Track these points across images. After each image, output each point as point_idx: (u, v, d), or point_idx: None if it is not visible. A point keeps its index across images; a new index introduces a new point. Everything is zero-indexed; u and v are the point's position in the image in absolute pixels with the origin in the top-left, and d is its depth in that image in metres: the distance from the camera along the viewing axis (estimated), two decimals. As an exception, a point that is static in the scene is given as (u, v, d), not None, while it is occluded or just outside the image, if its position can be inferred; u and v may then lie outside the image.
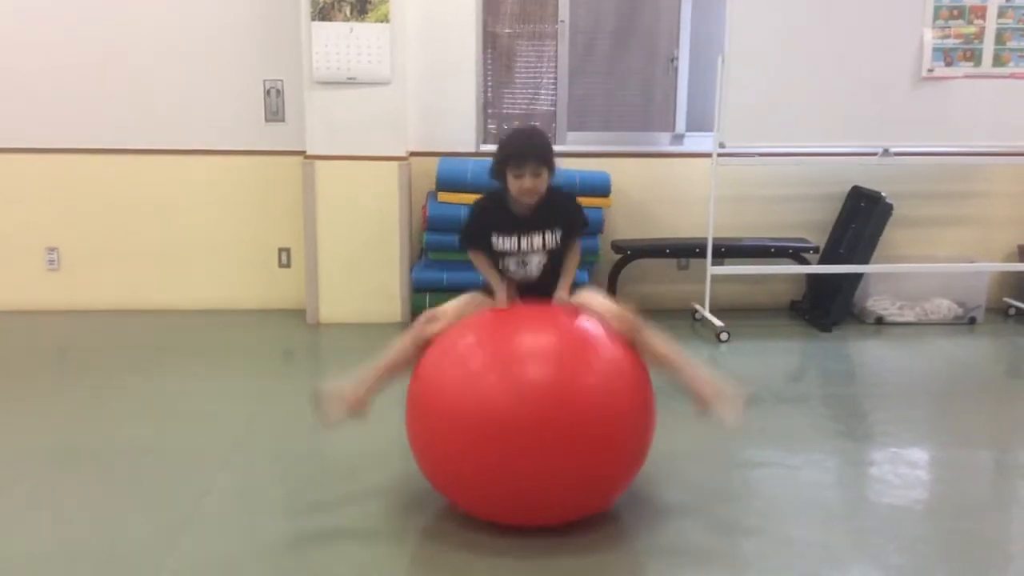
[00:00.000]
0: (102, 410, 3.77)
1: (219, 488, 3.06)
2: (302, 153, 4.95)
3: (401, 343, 2.88)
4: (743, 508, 2.91)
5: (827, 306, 5.09)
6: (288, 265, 5.30)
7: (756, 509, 2.90)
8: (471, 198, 4.75)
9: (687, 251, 5.16)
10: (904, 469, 3.27)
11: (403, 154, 4.95)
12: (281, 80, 5.10)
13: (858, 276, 5.07)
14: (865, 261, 5.02)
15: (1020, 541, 2.83)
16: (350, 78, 4.80)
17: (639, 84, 5.53)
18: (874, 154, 4.96)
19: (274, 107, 5.14)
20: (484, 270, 3.00)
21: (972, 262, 5.29)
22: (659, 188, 5.32)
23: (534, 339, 2.71)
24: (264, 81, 5.11)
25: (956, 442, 3.58)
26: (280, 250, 5.29)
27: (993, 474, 3.38)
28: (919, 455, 3.48)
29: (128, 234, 5.20)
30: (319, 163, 4.91)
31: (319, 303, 5.04)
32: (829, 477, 3.27)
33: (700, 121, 5.43)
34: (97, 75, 5.06)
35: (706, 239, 4.89)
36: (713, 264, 4.91)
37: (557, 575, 2.53)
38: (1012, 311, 5.33)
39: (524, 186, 2.83)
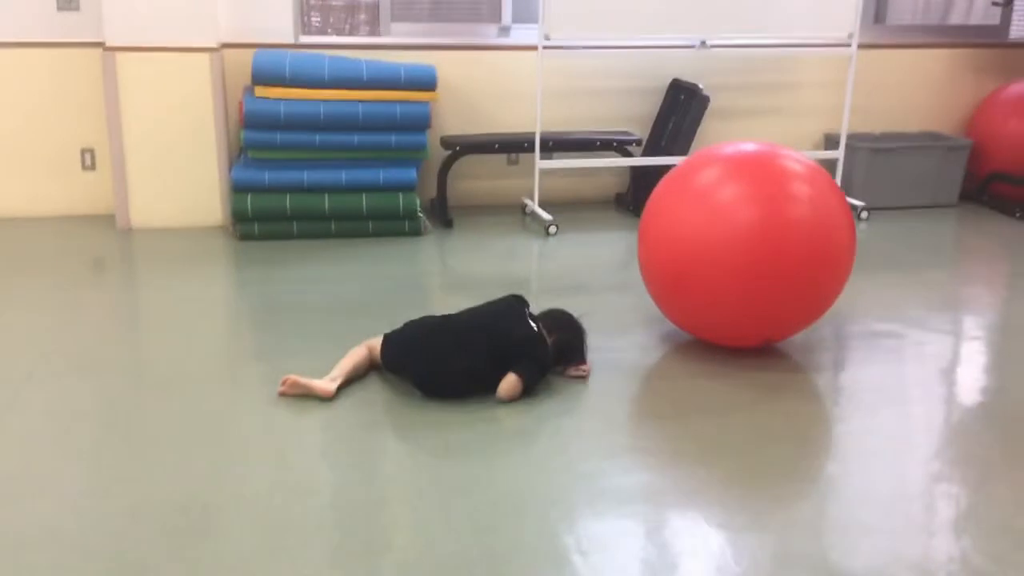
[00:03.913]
0: None
1: (23, 401, 2.88)
2: (101, 44, 4.56)
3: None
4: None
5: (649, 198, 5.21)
6: (93, 167, 4.93)
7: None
8: (290, 92, 4.63)
9: (516, 146, 5.14)
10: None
11: (214, 45, 4.64)
12: (72, -38, 4.65)
13: (679, 167, 5.22)
14: (685, 152, 5.16)
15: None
16: (150, -40, 4.43)
17: (464, -26, 5.38)
18: (692, 47, 5.06)
19: (66, -7, 4.69)
20: None
21: (783, 151, 5.53)
22: (486, 82, 5.25)
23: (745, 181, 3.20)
24: (52, -37, 4.65)
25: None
26: (83, 151, 4.91)
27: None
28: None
29: (-96, 136, 4.69)
30: (120, 55, 4.54)
31: (129, 207, 4.73)
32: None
33: (526, 13, 5.36)
34: None
35: (534, 133, 4.89)
36: (541, 158, 4.93)
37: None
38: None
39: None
